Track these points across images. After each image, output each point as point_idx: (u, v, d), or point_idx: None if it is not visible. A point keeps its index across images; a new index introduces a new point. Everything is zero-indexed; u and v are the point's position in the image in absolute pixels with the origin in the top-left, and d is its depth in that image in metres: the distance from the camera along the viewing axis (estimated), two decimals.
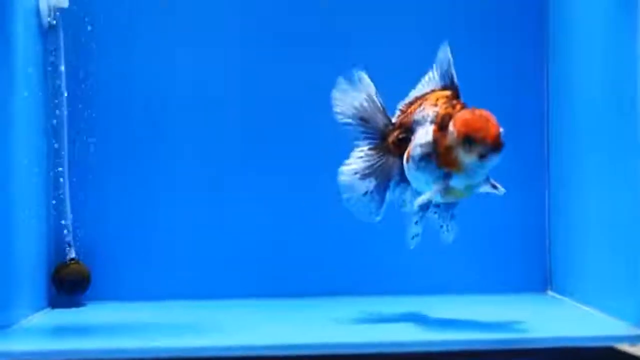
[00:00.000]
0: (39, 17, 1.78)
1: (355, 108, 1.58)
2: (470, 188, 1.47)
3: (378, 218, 1.58)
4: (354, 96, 1.58)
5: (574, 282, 1.82)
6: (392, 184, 1.58)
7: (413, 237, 1.57)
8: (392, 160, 1.56)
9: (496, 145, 1.38)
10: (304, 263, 1.92)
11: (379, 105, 1.58)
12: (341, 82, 1.58)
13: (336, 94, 1.59)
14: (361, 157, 1.57)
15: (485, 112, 1.42)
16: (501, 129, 1.39)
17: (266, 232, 1.92)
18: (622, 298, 1.54)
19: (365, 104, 1.57)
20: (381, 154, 1.57)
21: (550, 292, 1.94)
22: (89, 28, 1.88)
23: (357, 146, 1.58)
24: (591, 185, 1.72)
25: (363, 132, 1.58)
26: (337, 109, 1.59)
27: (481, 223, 1.94)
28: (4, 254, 1.55)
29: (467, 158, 1.41)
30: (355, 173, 1.56)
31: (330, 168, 1.93)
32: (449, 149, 1.43)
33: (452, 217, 1.56)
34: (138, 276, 1.90)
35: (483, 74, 1.91)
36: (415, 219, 1.56)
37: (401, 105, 1.58)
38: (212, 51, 1.92)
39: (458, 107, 1.47)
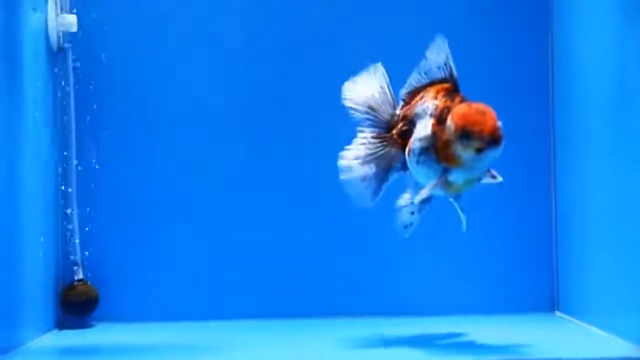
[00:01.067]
0: (48, 40, 1.79)
1: (366, 97, 1.57)
2: (470, 182, 1.45)
3: (371, 204, 1.56)
4: (366, 85, 1.57)
5: (582, 302, 1.82)
6: (391, 175, 1.56)
7: (406, 227, 1.56)
8: (394, 151, 1.55)
9: (493, 139, 1.35)
10: (309, 284, 1.92)
11: (390, 97, 1.57)
12: (357, 75, 1.58)
13: (349, 83, 1.58)
14: (364, 144, 1.56)
15: (483, 106, 1.39)
16: (499, 123, 1.36)
17: (273, 253, 1.92)
18: (629, 319, 1.54)
19: (377, 95, 1.57)
20: (384, 143, 1.56)
21: (557, 313, 1.93)
22: (97, 51, 1.90)
23: (361, 132, 1.57)
24: (599, 205, 1.71)
25: (369, 121, 1.57)
26: (347, 95, 1.57)
27: (488, 243, 1.94)
28: (12, 275, 1.56)
29: (464, 153, 1.38)
30: (356, 158, 1.55)
31: (332, 186, 1.95)
32: (447, 143, 1.41)
33: (462, 209, 1.53)
34: (146, 297, 1.90)
35: (487, 76, 1.90)
36: (412, 209, 1.55)
37: (403, 95, 1.56)
38: (217, 69, 1.93)
39: (457, 100, 1.45)
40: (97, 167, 1.90)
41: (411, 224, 1.56)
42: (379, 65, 1.58)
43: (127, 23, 1.92)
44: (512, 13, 1.96)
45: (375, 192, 1.56)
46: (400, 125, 1.55)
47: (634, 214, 1.52)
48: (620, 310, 1.59)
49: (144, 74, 1.92)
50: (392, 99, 1.57)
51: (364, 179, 1.55)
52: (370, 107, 1.57)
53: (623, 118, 1.56)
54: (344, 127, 1.59)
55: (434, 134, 1.44)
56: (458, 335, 1.68)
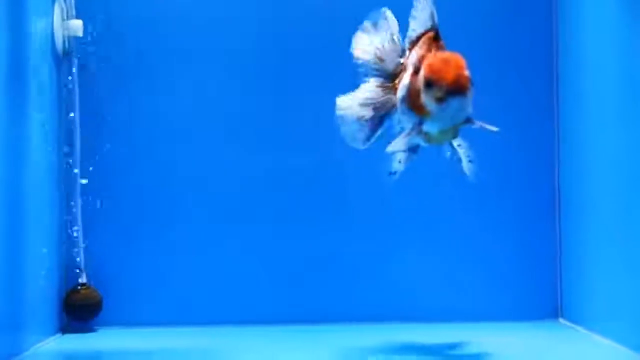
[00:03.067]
0: (54, 45, 1.80)
1: (375, 47, 1.55)
2: (446, 133, 1.41)
3: (363, 147, 1.54)
4: (376, 35, 1.54)
5: (585, 310, 1.81)
6: (386, 121, 1.54)
7: (390, 174, 1.52)
8: (393, 99, 1.52)
9: (454, 89, 1.31)
10: (311, 290, 1.91)
11: (398, 45, 1.55)
12: (366, 24, 1.56)
13: (360, 32, 1.56)
14: (366, 89, 1.55)
15: (449, 55, 1.36)
16: (464, 72, 1.32)
17: (278, 257, 1.92)
18: (633, 327, 1.53)
19: (386, 44, 1.55)
20: (386, 92, 1.54)
21: (561, 320, 1.93)
22: (103, 55, 1.90)
23: (366, 82, 1.56)
24: (603, 212, 1.71)
25: (376, 71, 1.56)
26: (357, 46, 1.56)
27: (492, 250, 1.93)
28: (15, 280, 1.56)
29: (429, 102, 1.36)
30: (355, 99, 1.54)
31: (334, 193, 1.95)
32: (417, 93, 1.39)
33: (470, 160, 1.50)
34: (149, 302, 1.90)
35: (492, 84, 1.88)
36: (399, 157, 1.52)
37: (407, 45, 1.53)
38: (223, 74, 1.93)
39: (433, 50, 1.43)
40: (100, 172, 1.90)
41: (395, 172, 1.52)
42: (388, 12, 1.55)
43: (133, 27, 1.92)
44: (516, 14, 1.96)
45: (368, 136, 1.54)
46: (401, 74, 1.52)
47: (638, 222, 1.52)
48: (624, 318, 1.58)
49: (150, 79, 1.92)
50: (400, 47, 1.54)
51: (359, 118, 1.53)
52: (379, 58, 1.55)
53: (629, 128, 1.56)
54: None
55: (410, 83, 1.44)
56: (461, 342, 1.68)
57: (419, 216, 1.93)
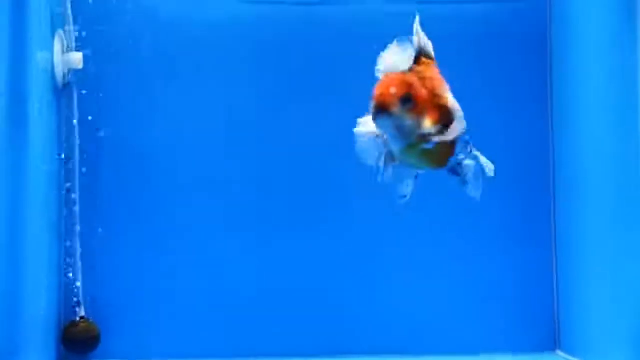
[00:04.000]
0: (54, 77, 1.80)
1: (399, 69, 1.52)
2: (410, 151, 1.34)
3: (374, 165, 1.42)
4: (400, 55, 1.51)
5: (583, 342, 1.82)
6: None
7: (400, 197, 1.44)
8: None
9: (379, 106, 1.28)
10: (314, 322, 1.92)
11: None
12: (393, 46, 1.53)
13: (384, 52, 1.53)
14: None
15: (394, 75, 1.31)
16: (391, 89, 1.28)
17: (277, 292, 1.92)
18: (632, 359, 1.54)
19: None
20: None
21: (559, 352, 1.93)
22: (103, 86, 1.91)
23: None
24: (598, 244, 1.72)
25: None
26: (381, 67, 1.52)
27: (488, 283, 1.94)
28: (14, 312, 1.55)
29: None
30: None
31: (339, 227, 1.95)
32: None
33: (465, 183, 1.40)
34: (147, 335, 1.89)
35: (486, 117, 1.90)
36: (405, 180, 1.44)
37: None
38: (224, 99, 1.94)
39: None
40: (99, 203, 1.90)
41: (405, 195, 1.43)
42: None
43: (131, 60, 1.93)
44: (511, 45, 1.98)
45: (382, 154, 1.47)
46: None
47: (634, 252, 1.53)
48: (622, 349, 1.59)
49: (150, 109, 1.93)
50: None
51: (377, 137, 1.45)
52: None
53: (624, 157, 1.58)
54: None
55: None
56: None
57: (415, 248, 1.94)
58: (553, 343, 1.95)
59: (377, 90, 1.30)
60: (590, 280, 1.77)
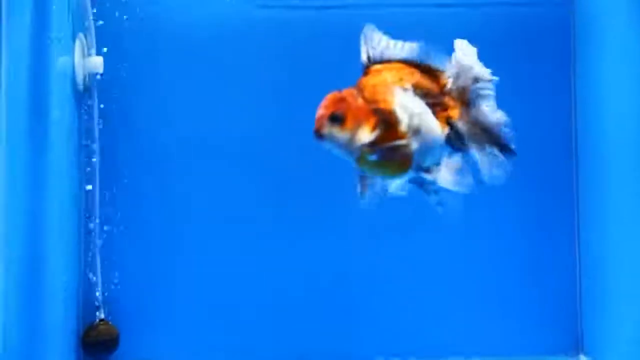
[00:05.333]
0: (75, 81, 1.82)
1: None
2: (360, 165, 1.30)
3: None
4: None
5: (606, 346, 1.80)
6: None
7: (438, 204, 1.34)
8: None
9: (315, 131, 1.26)
10: (331, 329, 1.91)
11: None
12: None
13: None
14: None
15: (328, 96, 1.28)
16: (320, 111, 1.26)
17: (294, 299, 1.91)
18: None
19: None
20: None
21: (582, 357, 1.91)
22: (123, 91, 1.92)
23: None
24: (623, 247, 1.70)
25: None
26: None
27: (510, 285, 1.92)
28: (33, 315, 1.55)
29: None
30: None
31: (352, 228, 1.95)
32: None
33: (435, 192, 1.32)
34: (167, 338, 1.89)
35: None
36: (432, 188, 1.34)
37: None
38: (238, 105, 1.94)
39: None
40: (120, 207, 1.90)
41: (440, 202, 1.33)
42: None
43: (150, 64, 1.94)
44: (534, 34, 1.96)
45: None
46: None
47: None
48: None
49: (168, 115, 1.94)
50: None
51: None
52: None
53: None
54: None
55: None
56: None
57: (436, 249, 1.93)
58: (576, 347, 1.92)
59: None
60: (615, 284, 1.75)
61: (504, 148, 1.32)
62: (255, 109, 1.94)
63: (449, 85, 1.32)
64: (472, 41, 1.30)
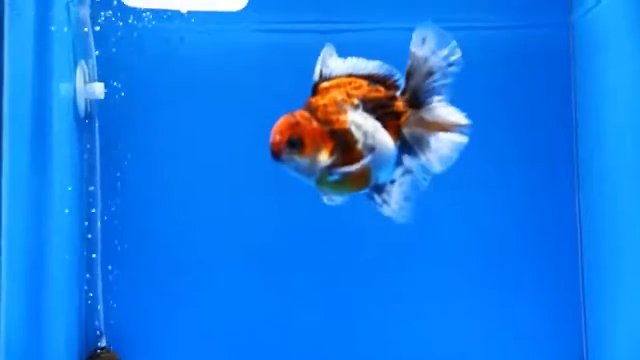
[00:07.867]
0: (76, 108, 1.82)
1: None
2: (321, 187, 1.28)
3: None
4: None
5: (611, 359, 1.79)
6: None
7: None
8: None
9: (272, 155, 1.23)
10: (337, 354, 1.90)
11: None
12: None
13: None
14: None
15: (281, 119, 1.25)
16: (276, 137, 1.22)
17: (300, 325, 1.90)
18: None
19: None
20: None
21: None
22: (124, 118, 1.92)
23: None
24: (628, 260, 1.70)
25: None
26: None
27: (515, 299, 1.92)
28: (34, 343, 1.54)
29: None
30: None
31: (361, 249, 1.94)
32: None
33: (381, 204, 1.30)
34: None
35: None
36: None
37: None
38: (245, 135, 1.92)
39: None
40: (121, 232, 1.90)
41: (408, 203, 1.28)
42: None
43: (152, 92, 1.94)
44: (533, 71, 1.97)
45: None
46: None
47: None
48: None
49: (169, 140, 1.94)
50: None
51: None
52: None
53: None
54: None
55: None
56: None
57: (439, 266, 1.92)
58: None
59: (270, 137, 1.24)
60: (619, 296, 1.75)
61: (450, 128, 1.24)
62: (258, 135, 1.93)
63: (398, 92, 1.26)
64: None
